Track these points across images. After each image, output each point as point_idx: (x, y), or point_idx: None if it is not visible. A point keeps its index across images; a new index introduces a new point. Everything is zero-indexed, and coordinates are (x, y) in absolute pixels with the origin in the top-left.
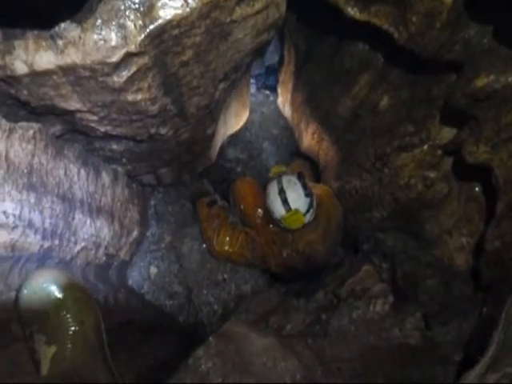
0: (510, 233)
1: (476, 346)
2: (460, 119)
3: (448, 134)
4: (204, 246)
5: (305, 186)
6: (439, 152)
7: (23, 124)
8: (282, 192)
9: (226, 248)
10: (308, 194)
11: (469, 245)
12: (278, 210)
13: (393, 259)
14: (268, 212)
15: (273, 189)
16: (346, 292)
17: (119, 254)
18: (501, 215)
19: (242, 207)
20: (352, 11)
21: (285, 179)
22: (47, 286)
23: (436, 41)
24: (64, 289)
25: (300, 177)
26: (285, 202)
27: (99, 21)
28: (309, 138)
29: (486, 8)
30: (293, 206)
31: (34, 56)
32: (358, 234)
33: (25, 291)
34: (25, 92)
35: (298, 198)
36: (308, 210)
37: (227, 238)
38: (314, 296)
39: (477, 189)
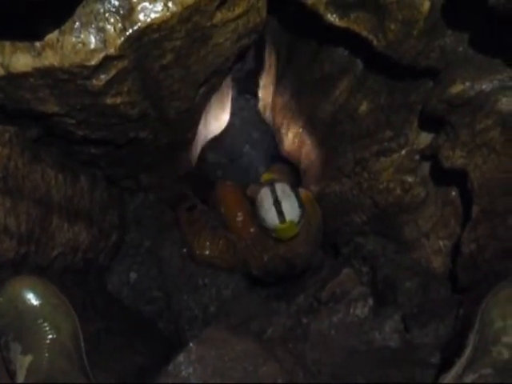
0: (485, 236)
1: (453, 347)
2: (437, 125)
3: (425, 139)
4: (184, 250)
5: (298, 197)
6: (417, 157)
7: None
8: (276, 202)
9: (207, 252)
10: (301, 204)
11: (446, 248)
12: (272, 219)
13: (372, 262)
14: (259, 219)
15: (266, 197)
16: (326, 295)
17: (98, 259)
18: (476, 219)
19: (222, 210)
20: (331, 18)
21: (279, 188)
22: (24, 293)
23: (413, 48)
24: (41, 296)
25: (293, 187)
26: (280, 213)
27: (78, 23)
28: (290, 142)
29: (461, 16)
30: (288, 217)
31: (11, 58)
32: (337, 237)
33: (0, 299)
34: (1, 95)
35: (292, 209)
36: (299, 221)
37: (207, 243)
38: (294, 300)
39: (453, 193)
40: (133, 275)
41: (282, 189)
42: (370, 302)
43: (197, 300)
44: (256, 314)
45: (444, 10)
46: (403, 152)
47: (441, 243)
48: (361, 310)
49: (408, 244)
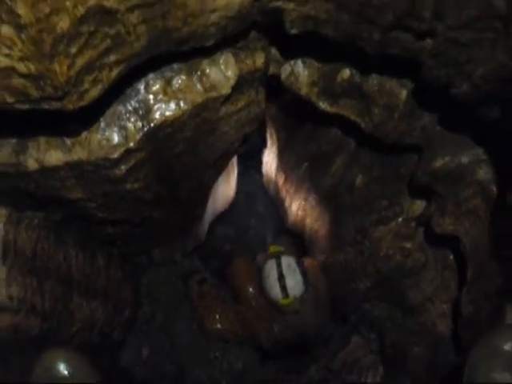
0: (479, 297)
1: None
2: (426, 194)
3: (419, 206)
4: (195, 324)
5: (303, 272)
6: (413, 224)
7: (29, 213)
8: (281, 278)
9: (217, 326)
10: (306, 280)
11: (449, 310)
12: (276, 294)
13: (380, 329)
14: (264, 290)
15: (271, 272)
16: (338, 365)
17: (112, 334)
18: (471, 281)
19: (235, 284)
20: (323, 105)
21: (284, 263)
22: (59, 363)
23: (396, 129)
24: (74, 367)
25: (299, 261)
26: (283, 288)
27: (103, 123)
28: (293, 214)
29: (433, 101)
30: (291, 293)
31: (45, 154)
32: (345, 305)
33: (38, 369)
34: (32, 185)
35: (296, 286)
36: (303, 296)
37: (217, 316)
38: (306, 371)
39: (451, 256)
40: (145, 350)
41: (288, 263)
42: (381, 369)
43: (209, 373)
44: None
45: (417, 96)
46: (399, 220)
47: (444, 306)
48: (372, 379)
49: (413, 308)
